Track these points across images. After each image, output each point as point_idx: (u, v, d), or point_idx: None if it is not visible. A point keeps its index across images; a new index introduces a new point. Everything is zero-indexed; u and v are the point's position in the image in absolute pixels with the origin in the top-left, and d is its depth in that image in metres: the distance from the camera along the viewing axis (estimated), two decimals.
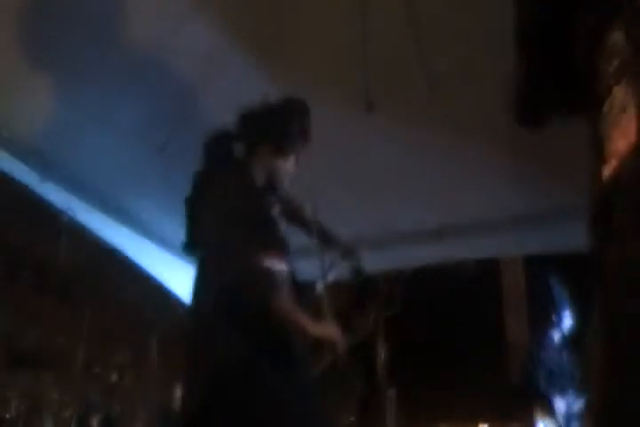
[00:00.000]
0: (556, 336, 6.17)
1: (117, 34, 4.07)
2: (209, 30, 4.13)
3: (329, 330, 3.03)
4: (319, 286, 3.41)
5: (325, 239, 3.54)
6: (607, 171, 1.57)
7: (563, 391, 5.92)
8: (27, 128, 4.54)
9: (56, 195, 5.00)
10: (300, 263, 3.24)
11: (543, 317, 6.25)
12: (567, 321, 6.12)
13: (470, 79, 4.21)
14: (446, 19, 3.99)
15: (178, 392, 7.98)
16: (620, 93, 1.61)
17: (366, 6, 3.90)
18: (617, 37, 1.63)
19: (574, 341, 6.14)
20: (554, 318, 6.12)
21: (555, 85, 1.86)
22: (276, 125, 3.30)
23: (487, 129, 4.47)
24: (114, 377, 7.42)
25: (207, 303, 2.96)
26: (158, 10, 4.00)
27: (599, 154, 1.63)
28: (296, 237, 3.35)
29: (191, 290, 3.11)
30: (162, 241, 5.67)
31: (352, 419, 17.41)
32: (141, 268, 5.99)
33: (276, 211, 3.31)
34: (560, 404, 5.85)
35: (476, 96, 4.25)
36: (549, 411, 5.84)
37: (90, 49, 4.09)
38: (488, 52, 3.94)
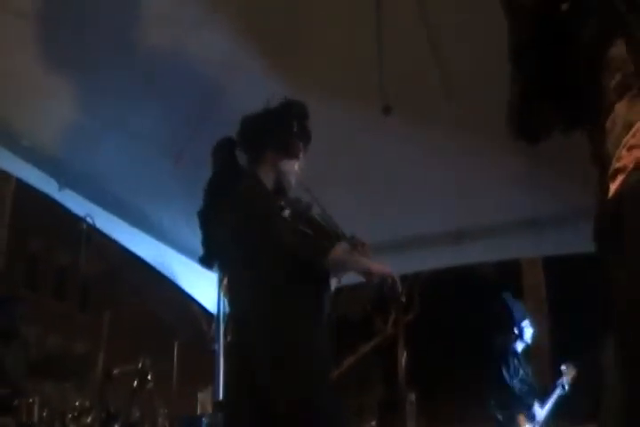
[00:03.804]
0: (520, 348, 6.26)
1: (134, 42, 4.09)
2: (224, 36, 4.14)
3: (384, 266, 3.18)
4: (333, 283, 3.43)
5: (337, 235, 3.55)
6: (614, 187, 1.55)
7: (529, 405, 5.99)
8: (46, 137, 4.57)
9: (75, 202, 5.03)
10: None
11: (505, 331, 6.37)
12: (528, 332, 6.23)
13: (485, 81, 4.20)
14: (461, 20, 3.99)
15: (199, 398, 7.99)
16: (621, 109, 1.58)
17: (380, 9, 3.91)
18: (618, 52, 1.60)
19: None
20: (515, 330, 6.23)
21: (552, 100, 1.83)
22: (276, 129, 3.32)
23: (503, 131, 4.46)
24: (134, 383, 7.41)
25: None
26: (174, 17, 4.02)
27: (604, 171, 1.62)
28: None
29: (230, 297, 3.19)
30: (182, 247, 5.69)
31: (373, 423, 17.37)
32: (162, 274, 6.01)
33: (285, 214, 3.34)
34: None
35: (491, 98, 4.24)
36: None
37: (107, 58, 4.11)
38: (503, 53, 3.93)
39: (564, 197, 4.94)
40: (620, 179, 1.53)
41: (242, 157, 3.36)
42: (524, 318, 6.37)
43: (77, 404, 7.03)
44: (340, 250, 3.11)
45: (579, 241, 5.21)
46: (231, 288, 3.24)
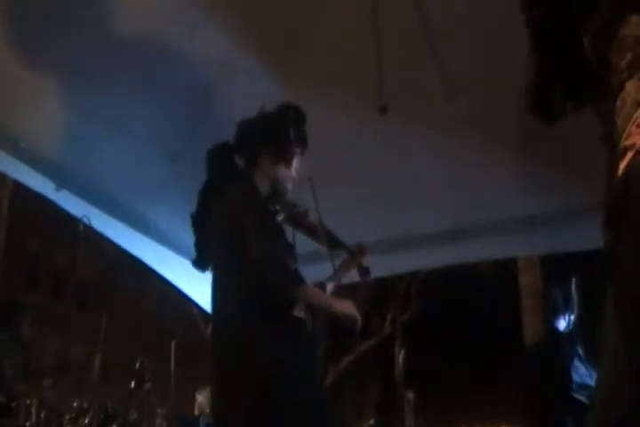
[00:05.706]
0: (566, 337, 6.16)
1: (131, 42, 4.08)
2: (223, 36, 4.14)
3: (349, 305, 3.14)
4: (329, 287, 3.46)
5: (332, 242, 3.56)
6: (623, 165, 1.55)
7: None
8: (43, 138, 4.56)
9: (72, 203, 5.02)
10: (307, 268, 3.32)
11: (556, 318, 6.24)
12: (575, 321, 6.12)
13: (484, 82, 4.21)
14: (460, 19, 3.99)
15: (197, 398, 8.00)
16: (632, 88, 1.59)
17: (378, 8, 3.90)
18: (630, 31, 1.61)
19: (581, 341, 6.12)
20: (567, 317, 6.11)
21: (567, 76, 1.84)
22: (273, 135, 3.30)
23: (501, 130, 4.47)
24: (132, 384, 7.41)
25: (230, 307, 3.06)
26: (172, 16, 4.02)
27: (613, 148, 1.61)
28: (302, 243, 3.40)
29: (211, 301, 3.19)
30: (179, 248, 5.69)
31: (371, 421, 17.41)
32: (159, 275, 6.00)
33: (280, 218, 3.35)
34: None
35: (489, 97, 4.25)
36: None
37: (105, 59, 4.11)
38: (502, 52, 3.94)
39: (561, 196, 4.95)
40: (629, 156, 1.53)
41: (239, 162, 3.36)
42: (573, 311, 6.09)
43: (75, 405, 7.04)
44: (311, 290, 3.16)
45: (576, 239, 5.27)
46: (212, 290, 3.24)
